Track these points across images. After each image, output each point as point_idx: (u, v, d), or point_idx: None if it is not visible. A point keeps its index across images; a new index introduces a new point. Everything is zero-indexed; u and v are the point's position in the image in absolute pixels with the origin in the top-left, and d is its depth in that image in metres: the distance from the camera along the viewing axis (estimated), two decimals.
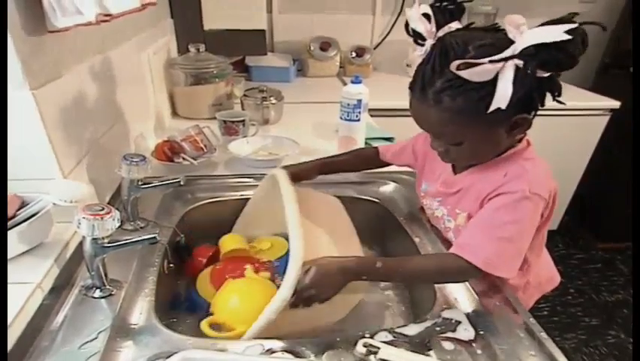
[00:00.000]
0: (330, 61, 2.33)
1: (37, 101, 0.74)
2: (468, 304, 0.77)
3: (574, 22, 0.59)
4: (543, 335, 0.69)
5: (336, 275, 0.73)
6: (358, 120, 1.29)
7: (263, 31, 1.93)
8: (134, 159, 0.88)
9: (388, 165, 1.10)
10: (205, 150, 1.26)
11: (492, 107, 0.64)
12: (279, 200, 0.84)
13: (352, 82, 1.27)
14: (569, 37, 0.58)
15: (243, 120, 1.41)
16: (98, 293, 0.75)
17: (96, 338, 0.66)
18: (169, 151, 1.21)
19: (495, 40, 0.65)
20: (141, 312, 0.73)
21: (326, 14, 2.35)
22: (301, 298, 0.71)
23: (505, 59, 0.61)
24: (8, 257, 0.75)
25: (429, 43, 0.73)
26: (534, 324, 0.71)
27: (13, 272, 0.73)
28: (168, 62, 1.65)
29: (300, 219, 0.77)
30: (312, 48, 2.28)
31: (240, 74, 2.10)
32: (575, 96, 2.10)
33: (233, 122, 1.39)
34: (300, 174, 0.99)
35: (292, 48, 2.34)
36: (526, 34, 0.61)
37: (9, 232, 0.73)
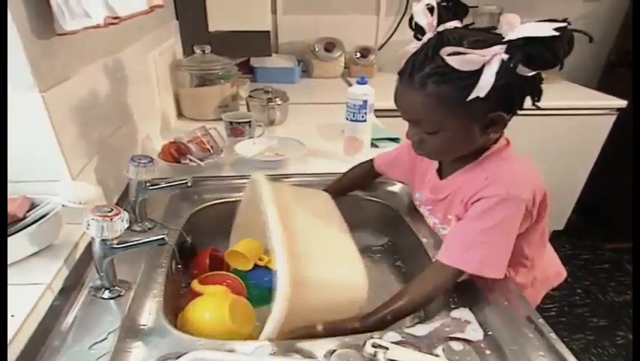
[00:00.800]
0: (335, 62, 2.34)
1: (46, 104, 0.74)
2: (476, 305, 0.76)
3: (564, 22, 0.61)
4: (552, 335, 0.69)
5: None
6: (364, 121, 1.29)
7: (267, 32, 1.93)
8: (142, 161, 0.89)
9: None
10: (211, 152, 1.26)
11: (472, 95, 0.66)
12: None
13: (358, 82, 1.27)
14: (556, 33, 0.60)
15: (249, 121, 1.41)
16: (107, 294, 0.75)
17: (106, 339, 0.66)
18: (175, 152, 1.21)
19: (488, 38, 0.68)
20: (150, 313, 0.74)
21: (330, 15, 2.35)
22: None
23: (493, 49, 0.64)
24: (19, 259, 0.75)
25: (427, 37, 0.75)
26: (543, 324, 0.71)
27: (23, 273, 0.74)
28: (174, 64, 1.66)
29: (278, 219, 0.75)
30: (316, 49, 2.29)
31: (245, 76, 2.11)
32: (581, 95, 2.09)
33: (239, 123, 1.40)
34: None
35: (297, 49, 2.34)
36: (517, 28, 0.64)
37: (19, 234, 0.73)
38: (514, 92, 0.70)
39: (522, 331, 0.70)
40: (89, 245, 0.73)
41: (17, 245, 0.74)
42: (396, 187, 1.18)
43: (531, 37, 0.62)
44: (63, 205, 0.79)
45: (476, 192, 0.78)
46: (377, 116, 1.61)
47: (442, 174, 0.90)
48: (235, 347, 0.67)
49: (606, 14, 2.40)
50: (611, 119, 2.06)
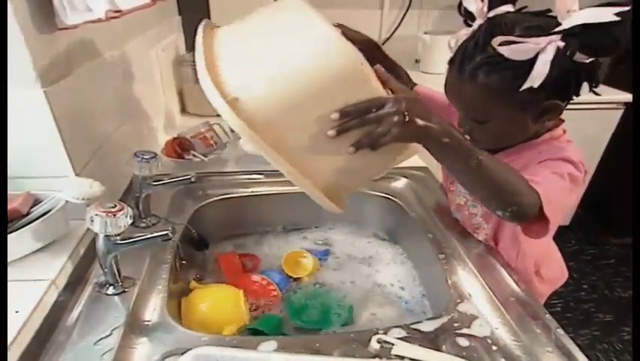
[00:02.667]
0: None
1: (49, 99, 0.74)
2: (482, 300, 0.76)
3: (626, 5, 0.58)
4: (560, 330, 0.68)
5: (431, 116, 0.61)
6: None
7: None
8: (145, 157, 0.88)
9: None
10: (215, 147, 1.26)
11: (525, 85, 0.64)
12: None
13: None
14: (618, 19, 0.57)
15: None
16: (111, 290, 0.75)
17: (110, 335, 0.66)
18: (179, 148, 1.21)
19: (543, 23, 0.65)
20: (154, 308, 0.73)
21: (334, 9, 2.32)
22: (366, 108, 0.59)
23: (548, 37, 0.62)
24: (23, 255, 0.75)
25: (477, 23, 0.73)
26: (550, 320, 0.71)
27: (27, 269, 0.74)
28: (177, 59, 1.65)
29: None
30: None
31: None
32: (587, 89, 2.07)
33: None
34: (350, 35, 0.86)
35: None
36: (575, 14, 0.61)
37: (23, 230, 0.73)
38: (570, 79, 0.68)
39: (529, 326, 0.70)
40: (93, 241, 0.73)
41: (21, 241, 0.74)
42: (400, 182, 1.17)
43: (589, 24, 0.59)
44: (67, 201, 0.79)
45: (538, 159, 0.76)
46: None
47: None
48: (239, 343, 0.67)
49: None
50: (618, 114, 2.04)
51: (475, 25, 0.74)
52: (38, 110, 0.74)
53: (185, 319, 0.80)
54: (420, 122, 0.60)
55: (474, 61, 0.69)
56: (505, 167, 0.68)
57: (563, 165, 0.74)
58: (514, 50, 0.63)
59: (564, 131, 0.82)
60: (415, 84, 1.07)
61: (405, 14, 2.37)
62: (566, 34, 0.61)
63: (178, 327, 0.69)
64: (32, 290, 0.69)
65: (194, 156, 1.20)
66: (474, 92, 0.71)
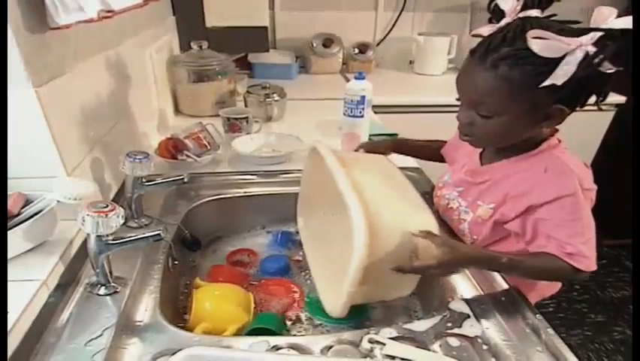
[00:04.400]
0: (333, 58, 2.33)
1: (41, 99, 0.74)
2: (474, 300, 0.76)
3: None
4: (550, 330, 0.69)
5: (462, 262, 0.76)
6: (362, 117, 1.29)
7: (265, 28, 1.92)
8: (138, 157, 0.88)
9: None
10: (208, 148, 1.26)
11: (547, 82, 0.65)
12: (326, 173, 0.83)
13: (355, 78, 1.26)
14: None
15: (246, 117, 1.40)
16: (103, 290, 0.75)
17: (101, 335, 0.66)
18: (172, 149, 1.21)
19: (574, 30, 0.66)
20: (146, 309, 0.73)
21: (328, 11, 2.34)
22: (421, 271, 0.73)
23: (580, 39, 0.63)
24: (13, 255, 0.75)
25: (504, 21, 0.74)
26: (540, 320, 0.71)
27: (18, 270, 0.73)
28: (171, 60, 1.65)
29: (349, 181, 0.74)
30: (314, 45, 2.28)
31: (242, 72, 2.10)
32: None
33: (236, 119, 1.39)
34: (374, 150, 1.05)
35: (295, 45, 2.33)
36: (611, 21, 0.62)
37: (14, 230, 0.73)
38: (586, 87, 0.69)
39: (519, 326, 0.70)
40: (85, 241, 0.73)
41: (12, 241, 0.73)
42: None
43: (627, 30, 0.61)
44: (58, 201, 0.79)
45: (545, 188, 0.76)
46: (375, 112, 1.60)
47: (482, 160, 0.90)
48: (231, 343, 0.67)
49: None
50: (610, 115, 2.05)
51: (503, 22, 0.74)
52: (30, 109, 0.74)
53: (193, 313, 0.80)
54: (451, 269, 0.77)
55: (499, 52, 0.69)
56: (541, 262, 0.77)
57: (577, 200, 0.75)
58: (545, 46, 0.63)
59: (559, 141, 0.82)
60: (443, 144, 1.10)
61: (399, 16, 2.37)
62: (601, 39, 0.62)
63: (170, 327, 0.69)
64: (23, 291, 0.68)
65: (187, 156, 1.20)
66: (491, 82, 0.71)
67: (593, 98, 0.72)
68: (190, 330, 0.76)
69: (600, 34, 0.62)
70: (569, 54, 0.63)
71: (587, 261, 0.74)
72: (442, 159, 1.11)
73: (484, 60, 0.71)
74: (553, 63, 0.64)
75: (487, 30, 0.76)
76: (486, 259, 0.76)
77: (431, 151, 1.14)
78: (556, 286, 1.01)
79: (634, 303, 0.82)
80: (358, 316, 0.86)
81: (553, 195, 0.75)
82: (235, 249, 1.09)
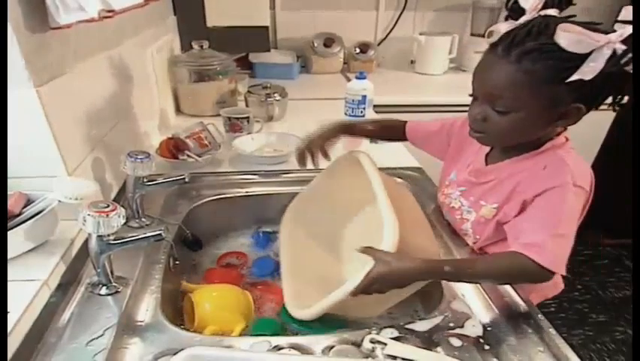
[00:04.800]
0: (334, 57, 2.32)
1: (41, 99, 0.74)
2: (475, 300, 0.76)
3: None
4: (552, 330, 0.69)
5: (403, 278, 0.71)
6: (363, 116, 1.29)
7: (266, 27, 1.92)
8: (139, 157, 0.88)
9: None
10: (209, 147, 1.26)
11: (574, 77, 0.64)
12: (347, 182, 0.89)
13: (357, 78, 1.26)
14: None
15: (247, 117, 1.40)
16: (104, 290, 0.75)
17: (103, 335, 0.66)
18: (173, 148, 1.21)
19: (597, 28, 0.66)
20: (147, 309, 0.73)
21: (329, 10, 2.34)
22: (362, 289, 0.70)
23: (609, 36, 0.62)
24: (14, 255, 0.75)
25: (524, 18, 0.72)
26: (542, 320, 0.71)
27: (19, 270, 0.73)
28: (172, 60, 1.65)
29: (391, 207, 0.74)
30: (315, 45, 2.27)
31: (243, 71, 2.10)
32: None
33: (237, 119, 1.39)
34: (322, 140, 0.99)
35: (296, 45, 2.33)
36: None
37: (15, 230, 0.73)
38: (607, 86, 0.68)
39: (521, 326, 0.70)
40: (86, 241, 0.73)
41: (13, 241, 0.73)
42: None
43: None
44: (59, 201, 0.79)
45: (538, 181, 0.76)
46: (376, 112, 1.60)
47: (488, 159, 0.89)
48: (232, 343, 0.67)
49: (607, 3, 2.39)
50: (611, 115, 2.05)
51: (522, 19, 0.72)
52: (30, 109, 0.74)
53: (191, 316, 0.80)
54: (387, 284, 0.71)
55: (523, 46, 0.68)
56: (495, 261, 0.76)
57: (563, 193, 0.73)
58: (573, 40, 0.62)
59: (567, 139, 0.81)
60: (406, 122, 1.07)
61: (400, 15, 2.37)
62: (630, 37, 0.62)
63: (171, 327, 0.69)
64: (24, 291, 0.69)
65: (188, 156, 1.20)
66: (514, 76, 0.69)
67: (609, 99, 0.71)
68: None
69: (630, 32, 0.62)
70: (597, 50, 0.62)
71: (548, 255, 0.69)
72: (405, 140, 1.08)
73: (507, 54, 0.70)
74: (579, 59, 0.63)
75: (505, 27, 0.74)
76: (427, 270, 0.72)
77: (387, 131, 1.10)
78: (559, 286, 1.01)
79: (634, 303, 0.82)
80: (333, 326, 0.82)
81: (542, 187, 0.75)
82: (223, 253, 1.08)
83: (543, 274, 0.70)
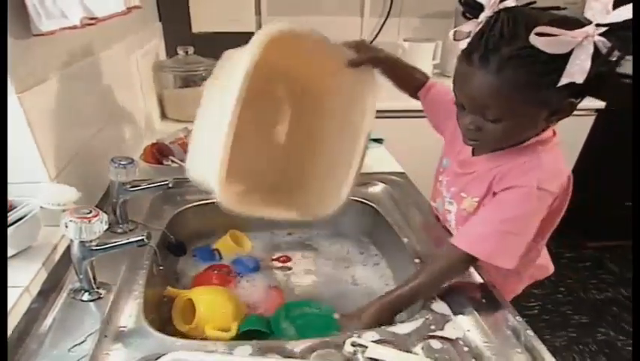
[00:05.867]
0: None
1: (23, 105, 0.74)
2: (456, 303, 0.77)
3: None
4: (529, 332, 0.70)
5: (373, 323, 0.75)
6: None
7: (252, 33, 1.91)
8: (122, 162, 0.88)
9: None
10: None
11: (564, 81, 0.62)
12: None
13: None
14: None
15: None
16: (86, 296, 0.74)
17: (85, 341, 0.66)
18: (158, 154, 1.21)
19: (564, 17, 0.64)
20: (130, 314, 0.73)
21: (314, 16, 2.35)
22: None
23: (585, 29, 0.60)
24: None
25: (484, 14, 0.69)
26: (520, 322, 0.72)
27: None
28: (157, 65, 1.65)
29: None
30: None
31: None
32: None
33: None
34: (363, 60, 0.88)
35: None
36: (619, 10, 0.58)
37: None
38: (597, 78, 0.64)
39: (500, 328, 0.72)
40: (69, 247, 0.73)
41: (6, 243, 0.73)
42: (378, 187, 1.19)
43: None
44: (41, 207, 0.79)
45: (509, 176, 0.77)
46: None
47: (475, 150, 0.87)
48: (216, 347, 0.67)
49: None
50: (590, 120, 2.09)
51: (482, 17, 0.69)
52: (12, 115, 0.74)
53: (184, 317, 0.83)
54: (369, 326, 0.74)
55: (500, 53, 0.65)
56: (434, 270, 0.79)
57: (522, 202, 0.75)
58: (551, 42, 0.60)
59: (554, 133, 0.80)
60: (428, 78, 1.03)
61: (385, 22, 2.39)
62: (616, 29, 0.59)
63: (154, 333, 0.69)
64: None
65: (172, 162, 1.20)
66: (499, 87, 0.67)
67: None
68: (187, 335, 0.79)
69: (609, 20, 0.59)
70: (577, 47, 0.60)
71: (477, 245, 0.74)
72: (416, 93, 1.04)
73: (485, 63, 0.67)
74: (561, 59, 0.61)
75: (469, 27, 0.72)
76: (380, 316, 0.76)
77: (410, 84, 1.04)
78: (550, 269, 1.03)
79: (634, 302, 0.83)
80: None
81: (508, 184, 0.76)
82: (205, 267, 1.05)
83: (471, 263, 0.78)
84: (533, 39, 0.60)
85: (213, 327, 0.78)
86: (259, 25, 2.30)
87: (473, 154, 0.87)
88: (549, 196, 0.76)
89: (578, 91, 0.67)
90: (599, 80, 0.65)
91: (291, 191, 0.94)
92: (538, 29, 0.60)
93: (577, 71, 0.61)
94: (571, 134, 2.10)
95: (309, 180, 0.95)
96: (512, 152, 0.79)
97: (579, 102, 0.71)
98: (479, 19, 0.70)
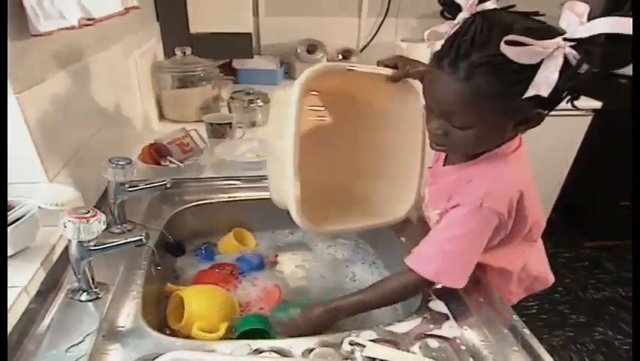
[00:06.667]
0: (317, 63, 2.34)
1: (21, 105, 0.74)
2: (453, 302, 0.78)
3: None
4: (526, 331, 0.70)
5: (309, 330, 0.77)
6: None
7: (249, 34, 1.93)
8: (120, 163, 0.88)
9: None
10: (192, 153, 1.26)
11: (529, 93, 0.61)
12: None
13: None
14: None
15: (230, 123, 1.41)
16: (84, 296, 0.75)
17: (83, 341, 0.66)
18: (156, 154, 1.21)
19: (539, 26, 0.64)
20: (129, 314, 0.73)
21: (312, 17, 2.35)
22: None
23: (555, 41, 0.58)
24: None
25: (461, 16, 0.68)
26: (517, 320, 0.73)
27: None
28: (155, 66, 1.64)
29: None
30: (298, 51, 2.29)
31: (227, 77, 2.10)
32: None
33: (220, 124, 1.39)
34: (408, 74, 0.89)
35: (279, 51, 2.34)
36: (592, 23, 0.57)
37: None
38: (566, 90, 0.63)
39: (497, 327, 0.72)
40: (67, 247, 0.73)
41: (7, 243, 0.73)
42: None
43: (612, 35, 0.55)
44: (39, 207, 0.79)
45: (457, 194, 0.76)
46: None
47: (446, 160, 0.87)
48: (214, 347, 0.67)
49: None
50: (587, 120, 2.10)
51: (459, 18, 0.68)
52: (10, 116, 0.74)
53: (176, 315, 0.83)
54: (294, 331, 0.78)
55: (470, 59, 0.63)
56: (387, 285, 0.80)
57: (467, 220, 0.74)
58: (521, 52, 0.58)
59: (519, 144, 0.78)
60: None
61: (382, 22, 2.40)
62: (582, 45, 0.58)
63: (152, 332, 0.70)
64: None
65: (170, 162, 1.20)
66: (466, 95, 0.65)
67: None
68: (178, 333, 0.79)
69: (580, 34, 0.57)
70: (547, 58, 0.59)
71: (431, 266, 0.74)
72: None
73: (455, 69, 0.65)
74: (530, 69, 0.59)
75: (444, 28, 0.70)
76: (327, 320, 0.79)
77: None
78: (550, 280, 1.01)
79: (634, 303, 0.83)
80: None
81: (455, 202, 0.76)
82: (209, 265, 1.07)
83: (427, 284, 0.77)
84: (504, 48, 0.58)
85: (200, 327, 0.78)
86: (257, 26, 2.30)
87: (444, 164, 0.87)
88: (493, 216, 0.73)
89: (546, 102, 0.65)
90: (569, 93, 0.65)
91: (362, 202, 1.01)
92: (509, 37, 0.58)
93: (543, 83, 0.60)
94: (568, 134, 2.11)
95: (378, 188, 1.02)
96: (468, 166, 0.79)
97: (548, 113, 0.69)
98: (456, 21, 0.69)
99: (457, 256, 0.75)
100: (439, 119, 0.73)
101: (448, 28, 0.70)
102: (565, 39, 0.59)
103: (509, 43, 0.58)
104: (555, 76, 0.59)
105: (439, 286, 0.80)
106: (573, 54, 0.58)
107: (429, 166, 0.95)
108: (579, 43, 0.58)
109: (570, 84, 0.61)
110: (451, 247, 0.74)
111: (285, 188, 0.80)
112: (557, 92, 0.62)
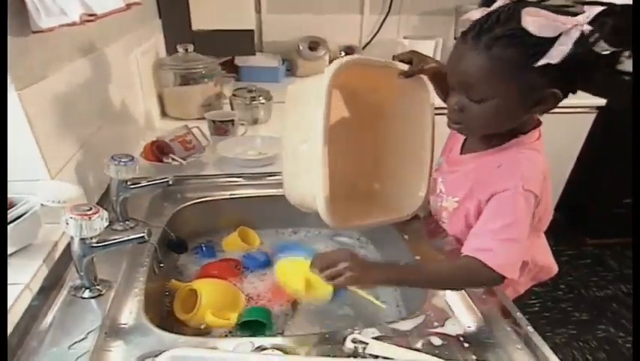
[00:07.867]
0: (320, 60, 2.33)
1: (23, 102, 0.74)
2: (456, 300, 0.77)
3: None
4: (529, 328, 0.70)
5: (368, 271, 0.74)
6: None
7: (251, 31, 1.93)
8: (122, 160, 0.88)
9: None
10: (194, 150, 1.26)
11: (542, 61, 0.63)
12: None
13: None
14: None
15: (232, 120, 1.41)
16: (87, 293, 0.75)
17: (85, 338, 0.66)
18: (158, 151, 1.21)
19: (566, 10, 0.65)
20: (131, 311, 0.73)
21: (315, 14, 2.35)
22: (328, 265, 0.73)
23: (576, 18, 0.61)
24: None
25: (497, 4, 0.71)
26: (520, 318, 0.72)
27: None
28: (157, 63, 1.64)
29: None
30: (301, 48, 2.28)
31: (229, 75, 2.10)
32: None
33: (222, 122, 1.39)
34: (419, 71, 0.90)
35: (281, 48, 2.34)
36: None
37: None
38: (578, 69, 0.67)
39: (500, 324, 0.72)
40: (69, 245, 0.73)
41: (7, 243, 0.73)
42: None
43: (626, 7, 0.59)
44: (42, 205, 0.79)
45: (490, 183, 0.76)
46: None
47: (463, 147, 0.88)
48: (216, 344, 0.67)
49: None
50: (591, 118, 2.09)
51: (495, 5, 0.71)
52: (12, 113, 0.74)
53: (185, 306, 0.85)
54: (359, 277, 0.72)
55: (493, 32, 0.67)
56: (449, 267, 0.79)
57: (513, 197, 0.74)
58: (541, 25, 0.61)
59: (539, 136, 0.80)
60: None
61: (384, 19, 2.39)
62: (599, 16, 0.60)
63: (154, 329, 0.69)
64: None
65: (172, 159, 1.20)
66: (485, 64, 0.68)
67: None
68: (187, 323, 0.82)
69: (597, 10, 0.61)
70: (565, 33, 0.61)
71: (499, 260, 0.71)
72: None
73: (477, 42, 0.69)
74: (548, 43, 0.62)
75: (477, 14, 0.73)
76: (388, 280, 0.79)
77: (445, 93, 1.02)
78: (554, 270, 1.02)
79: (634, 303, 0.83)
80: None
81: (494, 190, 0.76)
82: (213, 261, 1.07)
83: (494, 278, 0.72)
84: (524, 20, 0.62)
85: (212, 316, 0.81)
86: (259, 23, 2.30)
87: (462, 152, 0.88)
88: (533, 198, 0.75)
89: (561, 80, 0.68)
90: (582, 70, 0.67)
91: (375, 197, 1.04)
92: (530, 10, 0.61)
93: (557, 54, 0.62)
94: (572, 131, 2.10)
95: (390, 184, 1.04)
96: (492, 153, 0.80)
97: (564, 97, 0.71)
98: (490, 8, 0.72)
99: (516, 244, 0.73)
100: (458, 95, 0.76)
101: (480, 14, 0.72)
102: (591, 3, 0.61)
103: (531, 17, 0.61)
104: (569, 47, 0.61)
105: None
106: (590, 30, 0.61)
107: (439, 156, 0.96)
108: (596, 16, 0.61)
109: (582, 56, 0.62)
110: (509, 235, 0.73)
111: (307, 187, 0.79)
112: (569, 69, 0.65)
